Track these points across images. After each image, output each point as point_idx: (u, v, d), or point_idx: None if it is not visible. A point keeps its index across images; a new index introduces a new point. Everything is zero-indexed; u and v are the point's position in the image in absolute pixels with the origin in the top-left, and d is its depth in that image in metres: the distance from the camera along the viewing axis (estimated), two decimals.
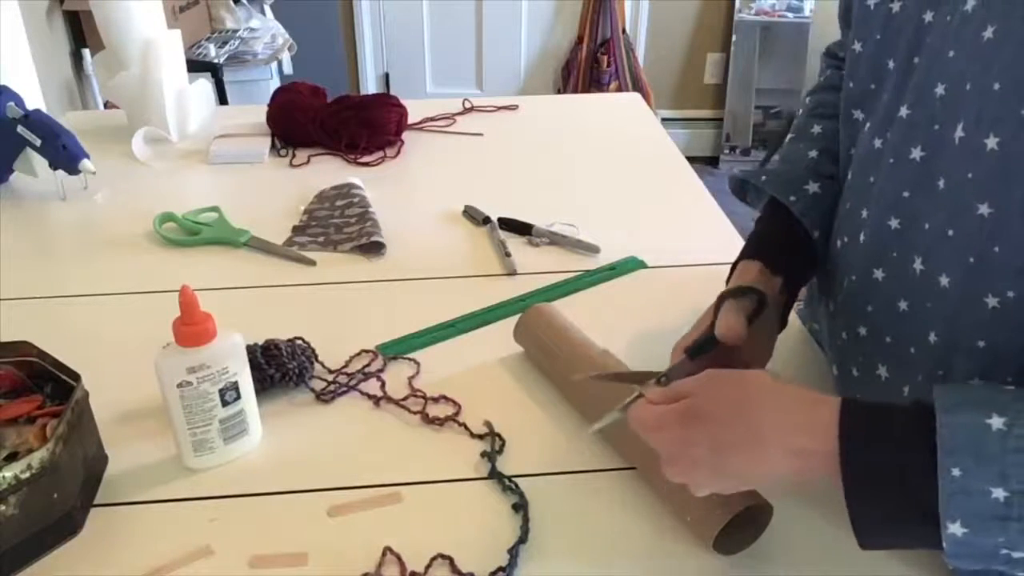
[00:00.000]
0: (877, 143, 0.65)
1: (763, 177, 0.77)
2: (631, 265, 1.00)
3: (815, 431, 0.51)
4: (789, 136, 0.84)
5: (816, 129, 0.81)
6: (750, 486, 0.58)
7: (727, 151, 3.53)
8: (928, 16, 0.60)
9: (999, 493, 0.44)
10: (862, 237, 0.66)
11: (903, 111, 0.61)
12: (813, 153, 0.78)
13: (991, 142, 0.52)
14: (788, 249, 0.74)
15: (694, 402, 0.55)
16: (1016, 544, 0.45)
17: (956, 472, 0.45)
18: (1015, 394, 0.48)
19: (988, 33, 0.52)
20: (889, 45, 0.64)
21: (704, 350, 0.65)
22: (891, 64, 0.64)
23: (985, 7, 0.53)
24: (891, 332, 0.64)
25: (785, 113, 3.44)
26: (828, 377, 0.80)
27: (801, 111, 0.88)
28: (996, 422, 0.45)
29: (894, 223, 0.62)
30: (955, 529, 0.45)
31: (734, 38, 3.39)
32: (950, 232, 0.56)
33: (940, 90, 0.57)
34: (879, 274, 0.64)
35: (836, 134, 0.76)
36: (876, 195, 0.65)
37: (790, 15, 3.36)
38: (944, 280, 0.57)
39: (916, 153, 0.59)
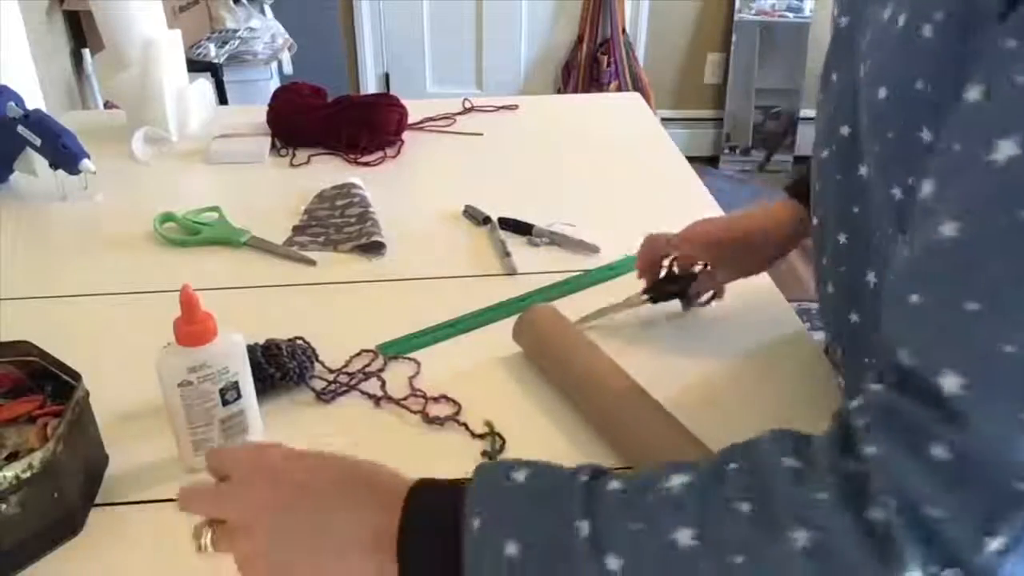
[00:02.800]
0: (824, 154, 0.65)
1: None
2: (631, 265, 1.00)
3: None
4: None
5: None
6: None
7: (727, 151, 3.53)
8: (862, 39, 0.59)
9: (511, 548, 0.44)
10: (825, 249, 0.67)
11: (844, 130, 0.61)
12: None
13: (862, 169, 0.57)
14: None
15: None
16: None
17: (476, 523, 0.45)
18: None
19: (865, 66, 0.54)
20: (835, 59, 0.64)
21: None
22: (834, 77, 0.64)
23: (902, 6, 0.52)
24: (844, 346, 0.65)
25: (785, 113, 3.44)
26: (828, 377, 0.80)
27: None
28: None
29: (843, 238, 0.63)
30: None
31: (734, 38, 3.39)
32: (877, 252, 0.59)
33: (864, 118, 0.57)
34: (831, 288, 0.66)
35: None
36: (828, 207, 0.65)
37: (790, 15, 3.36)
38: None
39: (863, 170, 0.59)
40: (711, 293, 0.90)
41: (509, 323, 0.84)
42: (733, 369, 0.83)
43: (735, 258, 0.84)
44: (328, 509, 0.49)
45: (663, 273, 0.88)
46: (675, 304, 0.89)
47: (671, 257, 0.87)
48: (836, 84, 0.63)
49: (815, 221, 0.69)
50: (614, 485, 0.45)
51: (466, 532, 0.45)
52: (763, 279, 0.96)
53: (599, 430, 0.73)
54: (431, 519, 0.47)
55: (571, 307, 0.85)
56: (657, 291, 0.88)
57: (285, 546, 0.48)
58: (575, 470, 0.48)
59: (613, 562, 0.42)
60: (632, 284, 0.89)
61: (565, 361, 0.77)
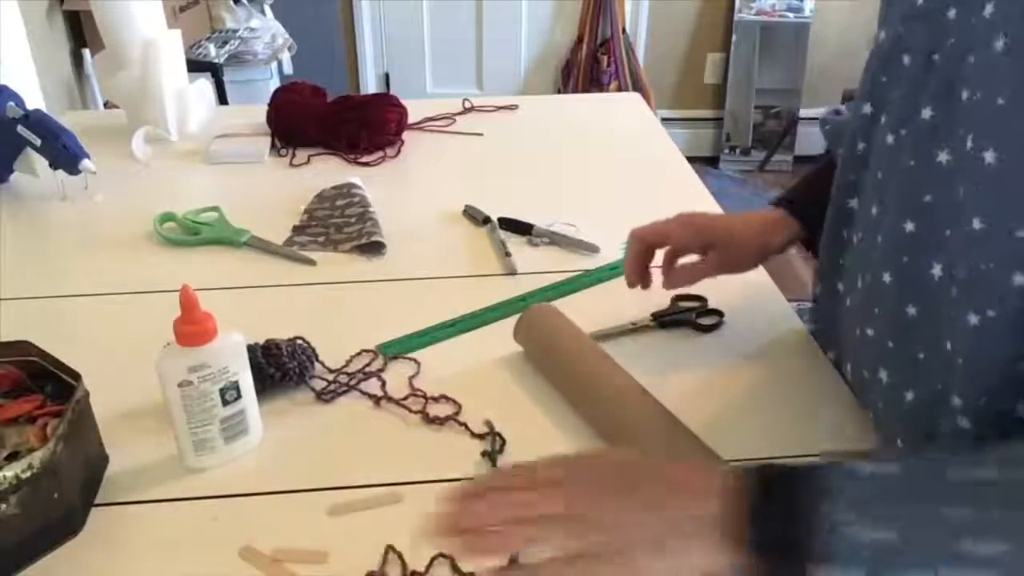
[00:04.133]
0: (890, 139, 0.63)
1: (826, 126, 0.82)
2: None
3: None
4: None
5: None
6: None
7: (727, 151, 3.53)
8: (951, 13, 0.56)
9: (871, 535, 0.44)
10: (879, 238, 0.65)
11: (925, 112, 0.58)
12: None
13: (989, 155, 0.51)
14: (815, 196, 0.79)
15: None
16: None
17: (834, 517, 0.45)
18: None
19: (999, 44, 0.50)
20: (907, 37, 0.61)
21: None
22: (906, 59, 0.61)
23: (1001, 15, 0.51)
24: (894, 337, 0.63)
25: (785, 113, 3.44)
26: (827, 378, 0.80)
27: None
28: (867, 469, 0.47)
29: (910, 226, 0.60)
30: (834, 572, 0.44)
31: (734, 38, 3.39)
32: (951, 243, 0.56)
33: (964, 95, 0.54)
34: (887, 278, 0.63)
35: None
36: (891, 194, 0.63)
37: (790, 15, 3.36)
38: (954, 290, 0.56)
39: (943, 157, 0.57)
40: (719, 318, 0.89)
41: (509, 323, 0.84)
42: (733, 369, 0.83)
43: (724, 248, 0.83)
44: (662, 507, 0.49)
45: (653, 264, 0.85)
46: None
47: (665, 249, 0.84)
48: (911, 66, 0.61)
49: (870, 209, 0.67)
50: (981, 472, 0.46)
51: (821, 517, 0.45)
52: (763, 279, 0.96)
53: (600, 431, 0.73)
54: (779, 505, 0.47)
55: (573, 308, 0.85)
56: (664, 316, 0.89)
57: (640, 552, 0.47)
58: (932, 459, 0.48)
59: (993, 548, 0.43)
60: (635, 292, 0.89)
61: (566, 362, 0.77)
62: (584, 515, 0.49)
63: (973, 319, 0.53)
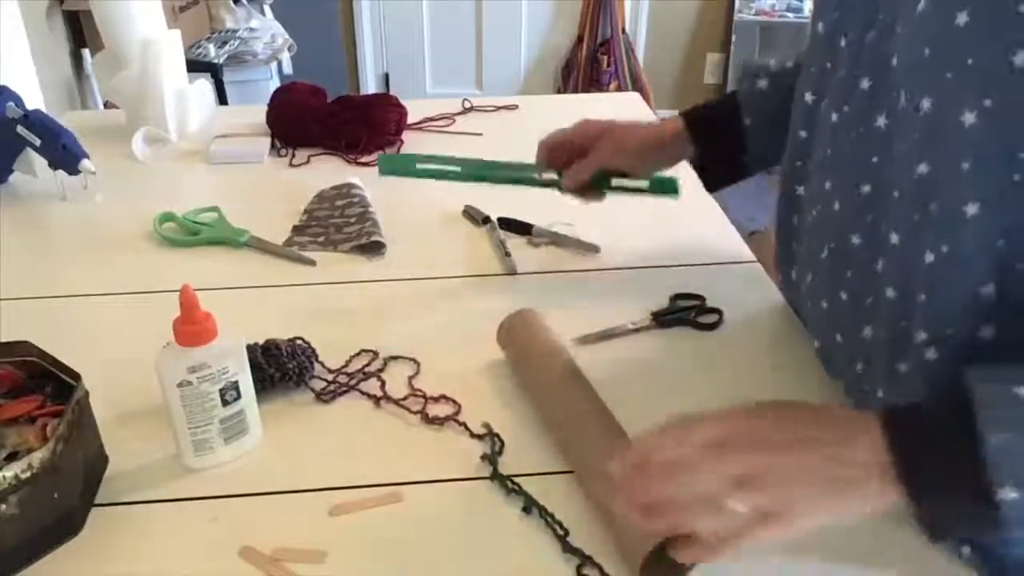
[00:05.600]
0: (834, 117, 0.68)
1: (743, 65, 0.92)
2: (667, 186, 0.96)
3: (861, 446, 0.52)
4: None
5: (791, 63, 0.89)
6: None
7: None
8: None
9: None
10: (836, 205, 0.69)
11: (864, 84, 0.64)
12: (776, 62, 0.89)
13: (925, 104, 0.55)
14: (714, 118, 0.92)
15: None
16: None
17: (995, 440, 0.47)
18: None
19: (921, 3, 0.54)
20: (843, 22, 0.67)
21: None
22: (843, 42, 0.67)
23: None
24: (870, 293, 0.66)
25: None
26: (826, 374, 0.80)
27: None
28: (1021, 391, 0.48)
29: (866, 188, 0.65)
30: (1005, 494, 0.47)
31: (734, 38, 3.39)
32: (896, 193, 0.60)
33: (894, 61, 0.59)
34: (855, 239, 0.67)
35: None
36: (843, 164, 0.67)
37: (790, 15, 3.36)
38: (894, 238, 0.60)
39: (881, 120, 0.62)
40: (718, 317, 0.89)
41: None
42: (733, 367, 0.83)
43: (607, 142, 0.92)
44: (823, 461, 0.51)
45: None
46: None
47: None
48: (847, 46, 0.66)
49: (820, 187, 0.71)
50: None
51: (985, 447, 0.47)
52: (763, 278, 0.96)
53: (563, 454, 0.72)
54: (939, 438, 0.50)
55: (573, 309, 0.85)
56: (664, 315, 0.89)
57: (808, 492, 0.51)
58: None
59: None
60: (633, 286, 0.89)
61: (530, 384, 0.77)
62: (753, 476, 0.51)
63: (929, 257, 0.56)
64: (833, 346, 0.73)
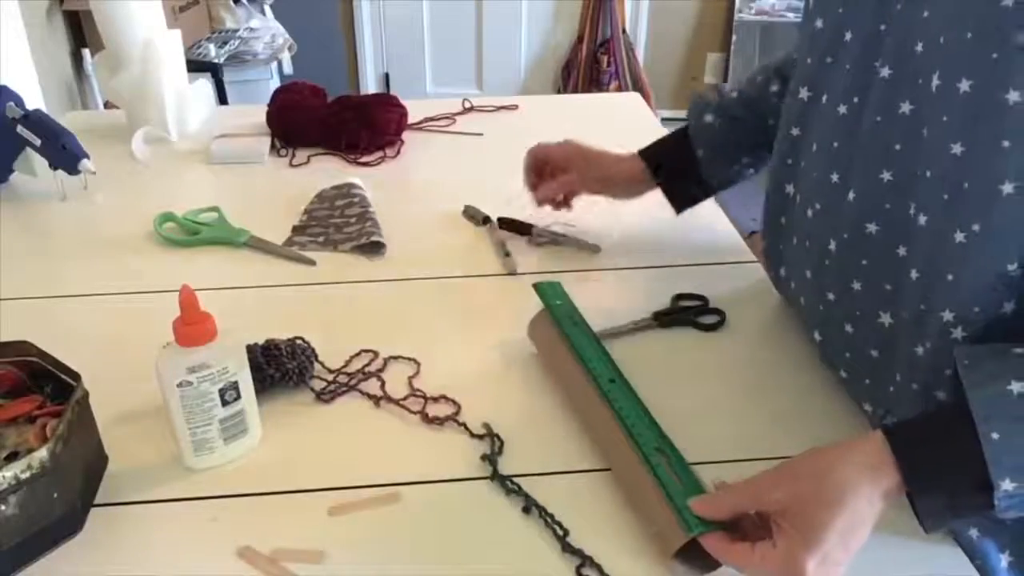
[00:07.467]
0: (842, 110, 0.69)
1: (691, 99, 0.99)
2: None
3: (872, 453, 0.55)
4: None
5: (749, 89, 0.96)
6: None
7: None
8: None
9: None
10: (851, 196, 0.68)
11: (884, 72, 0.64)
12: (719, 94, 0.96)
13: (964, 85, 0.55)
14: (673, 154, 0.99)
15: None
16: None
17: (995, 436, 0.50)
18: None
19: None
20: (849, 18, 0.68)
21: None
22: (848, 36, 0.68)
23: None
24: (890, 279, 0.66)
25: None
26: (828, 376, 0.80)
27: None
28: (1016, 387, 0.51)
29: (887, 176, 0.65)
30: (1007, 486, 0.50)
31: (734, 38, 3.39)
32: (928, 174, 0.60)
33: (919, 48, 0.60)
34: (872, 227, 0.67)
35: (752, 100, 0.95)
36: (858, 155, 0.68)
37: (790, 15, 3.36)
38: (922, 219, 0.61)
39: (905, 107, 0.62)
40: (720, 318, 0.90)
41: (509, 322, 0.84)
42: (734, 368, 0.83)
43: (585, 167, 1.01)
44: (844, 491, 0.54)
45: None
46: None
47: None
48: (854, 40, 0.67)
49: (829, 178, 0.72)
50: None
51: (986, 443, 0.51)
52: (763, 278, 0.96)
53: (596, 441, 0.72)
54: (938, 436, 0.54)
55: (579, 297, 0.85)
56: (666, 316, 0.89)
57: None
58: None
59: None
60: (632, 285, 0.89)
61: (564, 381, 0.77)
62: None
63: (959, 236, 0.57)
64: (840, 337, 0.73)
